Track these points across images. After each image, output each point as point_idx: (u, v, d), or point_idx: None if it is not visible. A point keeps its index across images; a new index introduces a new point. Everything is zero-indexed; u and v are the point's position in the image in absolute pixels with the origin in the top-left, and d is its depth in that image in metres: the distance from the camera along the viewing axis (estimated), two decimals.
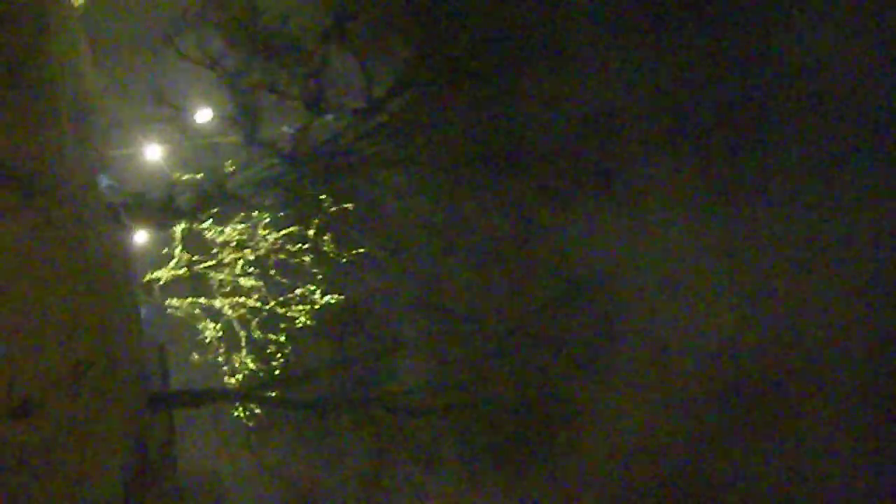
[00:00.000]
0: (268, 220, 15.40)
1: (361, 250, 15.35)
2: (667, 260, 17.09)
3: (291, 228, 15.24)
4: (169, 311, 15.54)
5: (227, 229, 15.28)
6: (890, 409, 16.74)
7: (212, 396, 15.25)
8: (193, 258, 15.23)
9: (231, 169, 14.84)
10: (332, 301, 15.45)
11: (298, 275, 15.47)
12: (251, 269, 15.42)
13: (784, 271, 16.99)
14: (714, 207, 16.64)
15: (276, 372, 15.48)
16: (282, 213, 15.31)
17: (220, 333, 15.49)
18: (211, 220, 15.10)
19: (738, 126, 16.37)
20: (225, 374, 15.63)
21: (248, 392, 15.24)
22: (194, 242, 15.25)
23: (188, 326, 15.60)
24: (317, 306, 15.39)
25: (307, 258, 15.34)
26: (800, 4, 16.09)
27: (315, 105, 14.69)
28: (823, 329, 16.81)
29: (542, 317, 16.02)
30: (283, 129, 15.04)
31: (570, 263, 16.13)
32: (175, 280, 15.33)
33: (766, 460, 16.92)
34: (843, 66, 16.39)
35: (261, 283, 15.41)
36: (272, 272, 15.40)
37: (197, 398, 15.21)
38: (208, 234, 15.26)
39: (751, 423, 17.07)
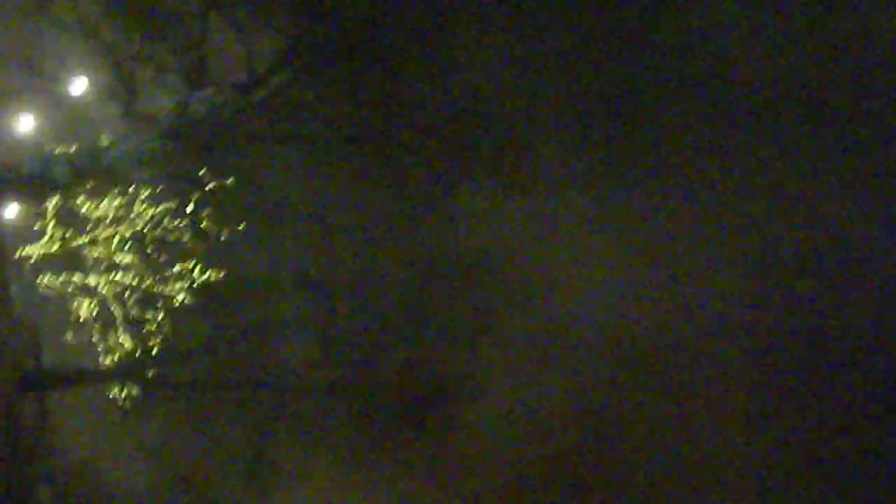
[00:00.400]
0: (146, 195, 15.03)
1: (241, 227, 15.10)
2: (559, 238, 17.15)
3: (169, 204, 14.93)
4: (41, 288, 15.10)
5: (103, 204, 14.87)
6: (782, 385, 17.05)
7: (87, 377, 14.93)
8: (67, 234, 14.81)
9: (108, 142, 14.47)
10: (212, 278, 15.20)
11: (177, 251, 15.17)
12: (128, 246, 15.06)
13: (678, 248, 17.17)
14: (607, 185, 16.71)
15: (154, 351, 15.19)
16: (160, 189, 14.98)
17: (96, 312, 15.12)
18: (86, 194, 14.70)
19: (632, 105, 16.41)
20: (100, 353, 15.28)
21: (125, 372, 14.95)
22: (68, 217, 14.84)
23: (61, 304, 15.19)
24: (196, 284, 15.13)
25: (186, 235, 15.05)
26: None
27: (195, 78, 14.39)
28: (717, 305, 17.07)
29: (429, 294, 16.00)
30: (161, 103, 14.70)
31: (458, 242, 16.12)
32: (48, 256, 14.89)
33: (661, 437, 17.13)
34: (741, 45, 16.53)
35: (138, 260, 15.07)
36: (150, 248, 15.07)
37: (71, 379, 14.89)
38: (83, 209, 14.84)
39: (644, 400, 17.26)
